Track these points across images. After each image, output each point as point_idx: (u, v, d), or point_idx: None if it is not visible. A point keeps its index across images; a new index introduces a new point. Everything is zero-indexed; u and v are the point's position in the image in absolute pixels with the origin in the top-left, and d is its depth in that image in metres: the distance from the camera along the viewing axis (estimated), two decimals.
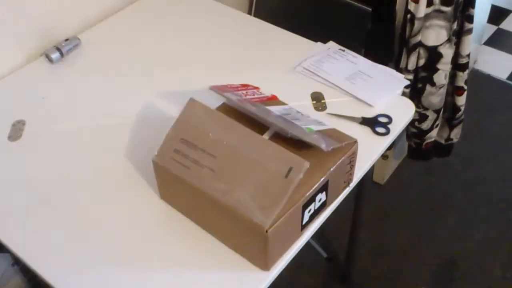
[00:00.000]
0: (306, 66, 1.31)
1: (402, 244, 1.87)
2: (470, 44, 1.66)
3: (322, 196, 0.95)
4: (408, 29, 1.56)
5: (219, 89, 1.05)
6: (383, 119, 1.18)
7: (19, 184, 1.07)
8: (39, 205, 1.03)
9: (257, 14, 1.90)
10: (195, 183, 0.90)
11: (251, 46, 1.41)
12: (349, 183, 1.05)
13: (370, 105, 1.21)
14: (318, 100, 1.23)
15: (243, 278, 0.91)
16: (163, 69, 1.34)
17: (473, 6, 1.58)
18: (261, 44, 1.41)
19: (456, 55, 1.68)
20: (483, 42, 2.73)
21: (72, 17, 1.44)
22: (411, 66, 1.61)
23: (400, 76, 1.29)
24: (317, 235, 1.08)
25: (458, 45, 1.67)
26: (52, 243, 0.97)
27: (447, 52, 1.62)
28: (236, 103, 1.00)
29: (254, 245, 0.88)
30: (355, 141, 0.98)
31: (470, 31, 1.63)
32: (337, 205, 1.03)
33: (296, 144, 0.94)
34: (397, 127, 1.17)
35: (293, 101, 1.18)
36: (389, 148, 1.58)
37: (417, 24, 1.54)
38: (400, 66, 1.64)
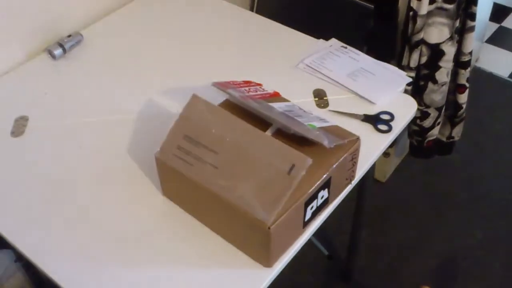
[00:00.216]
0: (308, 63, 1.31)
1: (403, 242, 1.87)
2: (472, 42, 1.65)
3: (324, 193, 0.95)
4: (410, 26, 1.56)
5: (221, 86, 1.05)
6: (385, 117, 1.18)
7: (21, 180, 1.07)
8: (42, 201, 1.03)
9: (259, 11, 1.90)
10: (197, 179, 0.90)
11: (254, 43, 1.40)
12: (351, 180, 1.05)
13: (372, 103, 1.21)
14: (320, 97, 1.23)
15: (245, 275, 0.91)
16: (166, 65, 1.34)
17: (475, 4, 1.58)
18: (263, 41, 1.41)
19: (458, 52, 1.68)
20: (485, 40, 2.72)
21: (74, 13, 1.44)
22: (413, 63, 1.61)
23: (402, 73, 1.29)
24: (318, 233, 1.09)
25: (460, 43, 1.67)
26: (55, 239, 0.97)
27: (449, 50, 1.62)
28: (238, 99, 1.00)
29: (256, 242, 0.89)
30: (358, 138, 0.98)
31: (472, 28, 1.63)
32: (339, 202, 1.03)
33: (299, 141, 0.94)
34: (399, 124, 1.17)
35: (296, 98, 1.18)
36: (391, 145, 1.58)
37: (419, 21, 1.54)
38: (402, 64, 1.64)
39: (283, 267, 0.94)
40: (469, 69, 1.71)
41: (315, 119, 1.03)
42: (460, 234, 1.89)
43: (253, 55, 1.37)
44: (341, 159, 0.95)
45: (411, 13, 1.54)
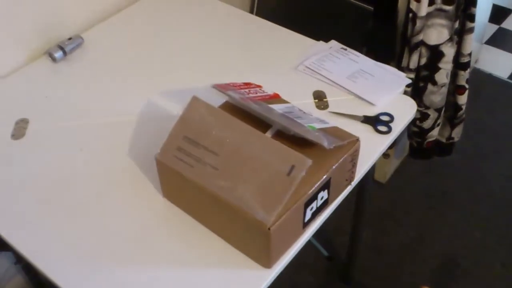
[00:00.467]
0: (308, 65, 1.32)
1: (403, 242, 1.87)
2: (471, 43, 1.66)
3: (324, 194, 0.96)
4: (409, 28, 1.57)
5: (221, 88, 1.05)
6: (385, 118, 1.18)
7: (22, 183, 1.07)
8: (42, 203, 1.04)
9: (259, 13, 1.90)
10: (197, 180, 0.90)
11: (254, 45, 1.41)
12: (351, 181, 1.05)
13: (372, 104, 1.22)
14: (320, 98, 1.24)
15: (245, 276, 0.91)
16: (166, 67, 1.34)
17: (474, 5, 1.59)
18: (263, 43, 1.41)
19: (458, 54, 1.69)
20: (484, 41, 2.73)
21: (75, 16, 1.44)
22: (413, 65, 1.62)
23: (402, 74, 1.29)
24: (317, 234, 1.09)
25: (459, 44, 1.67)
26: (55, 241, 0.97)
27: (449, 51, 1.62)
28: (238, 101, 1.01)
29: (256, 243, 0.89)
30: (357, 139, 0.99)
31: (471, 30, 1.63)
32: (339, 203, 1.04)
33: (299, 142, 0.94)
34: (399, 125, 1.17)
35: (295, 99, 1.19)
36: (391, 147, 1.58)
37: (418, 23, 1.54)
38: (402, 65, 1.64)
39: (283, 267, 0.94)
40: (468, 70, 1.72)
41: (315, 121, 1.03)
42: (460, 234, 1.89)
43: (253, 57, 1.37)
44: (341, 160, 0.95)
45: (410, 14, 1.54)
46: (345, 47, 1.37)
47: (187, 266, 0.93)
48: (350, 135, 0.99)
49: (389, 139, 1.14)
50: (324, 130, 0.99)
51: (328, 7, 1.74)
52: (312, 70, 1.30)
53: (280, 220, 0.84)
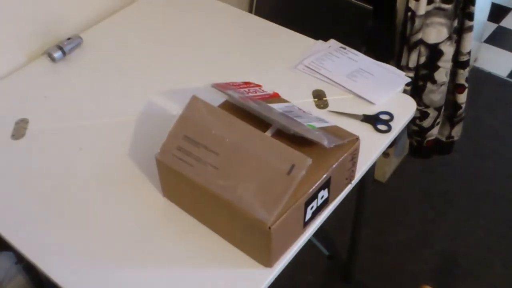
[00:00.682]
0: (307, 64, 1.32)
1: (403, 241, 1.87)
2: (470, 42, 1.66)
3: (324, 193, 0.96)
4: (408, 27, 1.57)
5: (221, 87, 1.06)
6: (384, 117, 1.18)
7: (22, 183, 1.07)
8: (42, 202, 1.04)
9: (258, 13, 1.90)
10: (198, 180, 0.90)
11: (253, 44, 1.41)
12: (351, 180, 1.05)
13: (371, 103, 1.22)
14: (319, 97, 1.24)
15: (246, 275, 0.91)
16: (165, 67, 1.34)
17: (473, 4, 1.59)
18: (262, 42, 1.41)
19: (457, 52, 1.69)
20: (483, 40, 2.73)
21: (74, 16, 1.44)
22: (412, 64, 1.62)
23: (401, 73, 1.29)
24: (318, 233, 1.09)
25: (458, 43, 1.67)
26: (55, 240, 0.97)
27: (448, 50, 1.62)
28: (238, 100, 1.01)
29: (257, 242, 0.89)
30: (357, 138, 0.99)
31: (470, 28, 1.63)
32: (339, 202, 1.04)
33: (298, 141, 0.94)
34: (399, 124, 1.17)
35: (295, 98, 1.19)
36: (390, 145, 1.58)
37: (417, 22, 1.54)
38: (401, 64, 1.64)
39: (284, 267, 0.94)
40: (467, 69, 1.72)
41: (314, 120, 1.03)
42: (460, 233, 1.89)
43: (252, 56, 1.37)
44: (341, 159, 0.95)
45: (409, 13, 1.54)
46: (344, 46, 1.37)
47: (187, 265, 0.93)
48: (350, 134, 0.99)
49: (389, 138, 1.15)
50: (324, 129, 0.99)
51: (327, 6, 1.74)
52: (312, 69, 1.31)
53: (280, 219, 0.85)
